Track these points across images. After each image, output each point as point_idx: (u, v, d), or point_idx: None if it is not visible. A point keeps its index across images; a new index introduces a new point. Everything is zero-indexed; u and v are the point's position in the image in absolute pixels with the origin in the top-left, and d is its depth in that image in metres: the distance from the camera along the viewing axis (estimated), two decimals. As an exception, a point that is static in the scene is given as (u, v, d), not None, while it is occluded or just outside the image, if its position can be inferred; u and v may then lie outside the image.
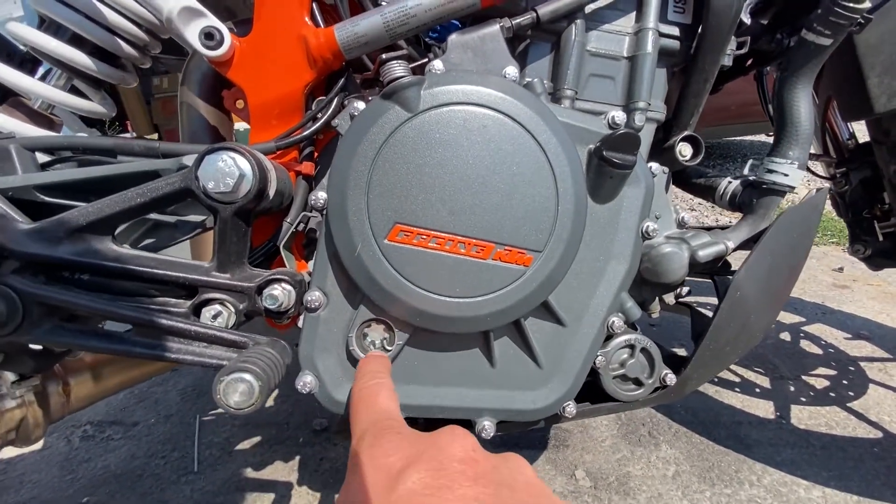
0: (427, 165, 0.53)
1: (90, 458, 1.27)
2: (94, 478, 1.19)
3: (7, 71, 0.68)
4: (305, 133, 0.63)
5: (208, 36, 0.60)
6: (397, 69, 0.53)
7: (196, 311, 0.53)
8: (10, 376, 0.55)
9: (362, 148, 0.53)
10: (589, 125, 0.59)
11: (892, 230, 1.02)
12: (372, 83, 0.69)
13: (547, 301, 0.59)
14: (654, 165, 0.68)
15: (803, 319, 1.81)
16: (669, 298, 0.77)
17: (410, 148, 0.53)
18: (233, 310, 0.54)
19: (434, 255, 0.54)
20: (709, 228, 0.78)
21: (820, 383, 1.45)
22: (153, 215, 0.61)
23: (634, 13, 0.68)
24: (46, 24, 0.71)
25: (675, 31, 0.69)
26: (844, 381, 1.46)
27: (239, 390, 0.42)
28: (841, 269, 2.27)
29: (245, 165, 0.50)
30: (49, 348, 0.55)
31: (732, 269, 0.78)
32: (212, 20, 0.61)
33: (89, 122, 0.88)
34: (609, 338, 0.66)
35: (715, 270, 0.77)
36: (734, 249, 0.72)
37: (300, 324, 0.60)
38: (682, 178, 0.88)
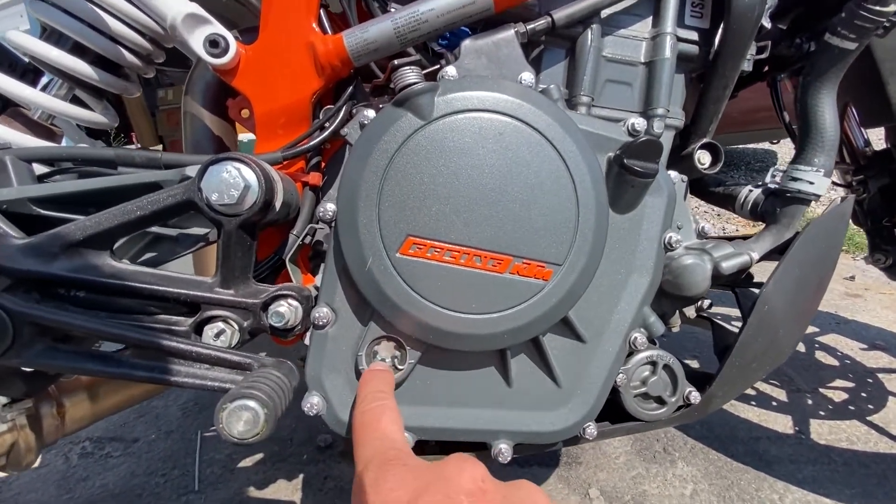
0: (441, 175, 0.50)
1: (88, 476, 1.23)
2: (91, 497, 1.16)
3: (5, 80, 0.67)
4: (313, 143, 0.61)
5: (213, 43, 0.58)
6: (410, 75, 0.51)
7: (198, 329, 0.51)
8: (1, 399, 0.52)
9: (373, 157, 0.50)
10: (609, 132, 0.57)
11: (914, 238, 0.99)
12: (381, 91, 0.67)
13: (567, 317, 0.56)
14: (673, 173, 0.65)
15: (817, 330, 1.77)
16: (690, 312, 0.74)
17: (424, 157, 0.50)
18: (236, 328, 0.52)
19: (448, 269, 0.51)
20: (729, 238, 0.75)
21: (838, 396, 1.41)
22: (154, 228, 0.59)
23: (651, 18, 0.66)
24: (48, 33, 0.69)
25: (694, 35, 0.67)
26: (863, 394, 1.42)
27: (243, 419, 0.39)
28: (852, 278, 2.24)
29: (250, 176, 0.48)
30: (41, 371, 0.52)
31: (755, 280, 0.75)
32: (217, 27, 0.59)
33: (94, 133, 0.86)
34: (630, 354, 0.63)
35: (737, 282, 0.74)
36: (758, 260, 0.69)
37: (307, 341, 0.57)
38: (700, 186, 0.85)
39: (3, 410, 0.51)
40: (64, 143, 0.77)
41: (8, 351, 0.42)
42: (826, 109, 0.67)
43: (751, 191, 0.76)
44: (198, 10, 0.58)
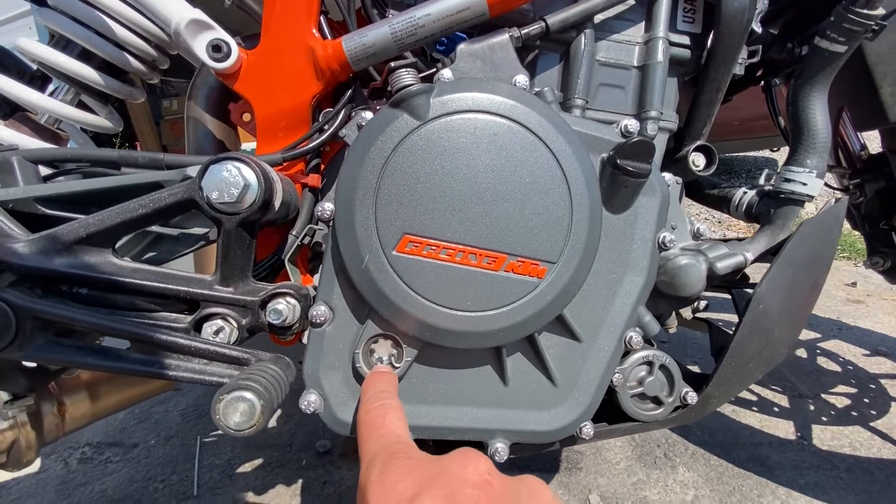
0: (437, 174, 0.51)
1: (87, 481, 1.23)
2: (91, 502, 1.15)
3: (14, 86, 0.68)
4: (312, 145, 0.62)
5: (216, 48, 0.60)
6: (406, 77, 0.52)
7: (197, 326, 0.51)
8: (3, 396, 0.53)
9: (370, 157, 0.51)
10: (602, 133, 0.58)
11: (912, 241, 1.00)
12: (379, 94, 0.68)
13: (562, 315, 0.57)
14: (668, 175, 0.66)
15: (819, 336, 1.76)
16: (686, 313, 0.74)
17: (420, 157, 0.51)
18: (235, 325, 0.52)
19: (444, 266, 0.52)
20: (725, 240, 0.75)
21: (840, 402, 1.40)
22: (155, 228, 0.60)
23: (643, 23, 0.67)
24: (56, 40, 0.71)
25: (686, 40, 0.68)
26: (865, 400, 1.41)
27: (239, 410, 0.39)
28: (854, 284, 2.23)
29: (250, 175, 0.49)
30: (43, 366, 0.53)
31: (751, 281, 0.75)
32: (220, 32, 0.60)
33: (99, 139, 0.88)
34: (626, 354, 0.64)
35: (733, 283, 0.75)
36: (753, 261, 0.69)
37: (304, 339, 0.58)
38: (695, 188, 0.86)
39: (5, 408, 0.52)
40: (70, 146, 0.78)
41: (11, 344, 0.43)
42: (817, 112, 0.68)
43: (745, 193, 0.77)
44: (201, 16, 0.60)
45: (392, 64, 0.53)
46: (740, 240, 0.74)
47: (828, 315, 1.93)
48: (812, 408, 1.37)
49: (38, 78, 0.87)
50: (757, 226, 0.75)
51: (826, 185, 1.14)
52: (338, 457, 1.25)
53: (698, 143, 0.72)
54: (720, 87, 0.69)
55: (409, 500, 0.32)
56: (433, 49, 0.68)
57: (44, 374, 0.54)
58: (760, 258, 0.71)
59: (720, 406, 0.69)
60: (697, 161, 0.73)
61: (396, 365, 0.56)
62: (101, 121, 0.76)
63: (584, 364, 0.60)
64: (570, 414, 0.60)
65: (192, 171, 0.55)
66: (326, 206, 0.54)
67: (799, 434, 1.27)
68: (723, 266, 0.66)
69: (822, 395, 1.43)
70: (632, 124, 0.59)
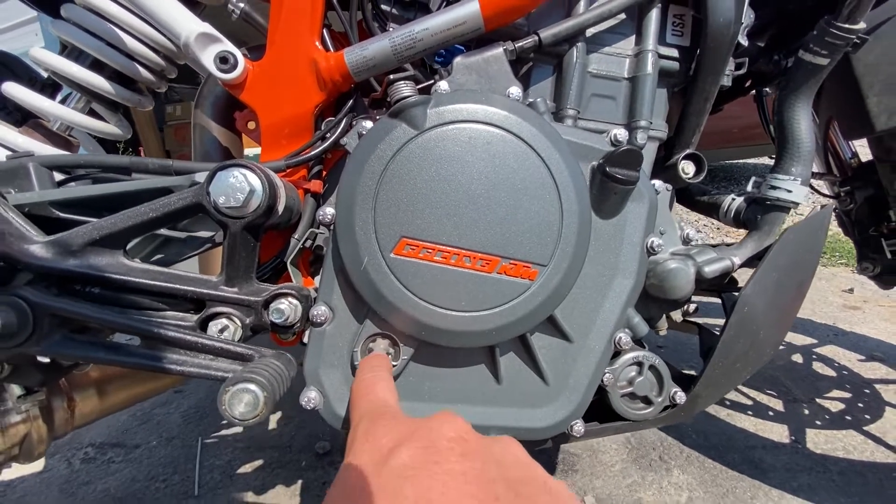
0: (433, 181, 0.54)
1: (90, 480, 1.25)
2: (93, 501, 1.17)
3: (28, 94, 0.71)
4: (314, 152, 0.64)
5: (223, 60, 0.63)
6: (404, 89, 0.55)
7: (203, 324, 0.54)
8: (16, 390, 0.55)
9: (370, 164, 0.54)
10: (592, 142, 0.61)
11: (901, 247, 1.02)
12: (379, 104, 0.71)
13: (553, 316, 0.59)
14: (658, 182, 0.68)
15: (815, 341, 1.78)
16: (677, 316, 0.76)
17: (417, 164, 0.54)
18: (239, 324, 0.55)
19: (439, 268, 0.54)
20: (714, 245, 0.78)
21: (835, 406, 1.41)
22: (164, 231, 0.62)
23: (634, 36, 0.70)
24: (68, 51, 0.74)
25: (674, 52, 0.71)
26: (860, 404, 1.42)
27: (244, 401, 0.42)
28: (851, 291, 2.25)
29: (255, 181, 0.51)
30: (57, 361, 0.55)
31: (739, 285, 0.77)
32: (227, 45, 0.63)
33: (104, 146, 0.91)
34: (617, 355, 0.66)
35: (722, 287, 0.77)
36: (740, 266, 0.72)
37: (305, 339, 0.60)
38: (686, 195, 0.88)
39: (18, 402, 0.54)
40: (80, 153, 0.81)
41: (29, 339, 0.46)
42: (802, 121, 0.71)
43: (734, 199, 0.79)
44: (209, 29, 0.63)
45: (391, 76, 0.56)
46: (729, 245, 0.76)
47: (824, 321, 1.94)
48: (806, 412, 1.39)
49: (49, 86, 0.90)
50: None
51: (817, 192, 1.17)
52: (337, 458, 1.27)
53: (687, 151, 0.74)
54: (708, 98, 0.71)
55: (389, 451, 0.34)
56: (432, 60, 0.71)
57: (56, 370, 0.56)
58: (748, 263, 0.73)
59: (709, 406, 0.71)
60: (687, 169, 0.75)
61: (394, 363, 0.59)
62: (110, 128, 0.79)
63: (574, 364, 0.62)
64: (562, 412, 0.62)
65: (200, 177, 0.58)
66: (328, 211, 0.57)
67: (793, 437, 1.28)
68: (710, 270, 0.68)
69: (817, 400, 1.44)
70: (621, 133, 0.62)
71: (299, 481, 1.21)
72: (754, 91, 0.92)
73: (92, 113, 0.77)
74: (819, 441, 1.27)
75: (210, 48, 0.63)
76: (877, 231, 1.04)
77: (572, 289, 0.59)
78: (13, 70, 1.04)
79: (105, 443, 1.39)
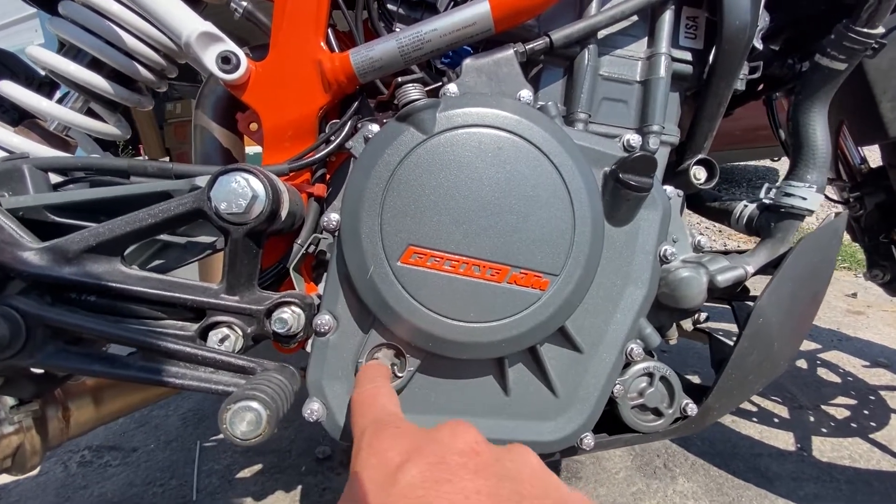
0: (441, 187, 0.52)
1: (87, 484, 1.23)
2: (89, 506, 1.15)
3: (25, 93, 0.69)
4: (318, 155, 0.63)
5: (225, 60, 0.61)
6: (413, 92, 0.53)
7: (203, 334, 0.52)
8: (9, 401, 0.53)
9: (377, 169, 0.52)
10: (605, 148, 0.59)
11: (911, 255, 1.00)
12: (385, 106, 0.69)
13: (564, 327, 0.57)
14: (669, 188, 0.67)
15: (819, 346, 1.76)
16: (687, 324, 0.75)
17: (425, 170, 0.52)
18: (240, 333, 0.53)
19: (448, 278, 0.53)
20: (725, 252, 0.76)
21: (840, 413, 1.40)
22: (163, 236, 0.61)
23: (646, 39, 0.68)
24: (66, 49, 0.72)
25: (688, 55, 0.69)
26: (865, 412, 1.41)
27: (246, 419, 0.40)
28: (854, 295, 2.24)
29: (258, 186, 0.49)
30: (51, 372, 0.54)
31: (751, 294, 0.76)
32: (229, 45, 0.61)
33: (103, 145, 0.89)
34: (627, 365, 0.64)
35: (733, 296, 0.75)
36: (753, 274, 0.70)
37: (308, 348, 0.58)
38: (696, 201, 0.87)
39: (11, 412, 0.53)
40: (78, 153, 0.79)
41: (21, 351, 0.44)
42: (817, 127, 0.69)
43: (746, 206, 0.77)
44: (211, 28, 0.61)
45: (399, 79, 0.54)
46: (741, 252, 0.75)
47: (828, 326, 1.93)
48: (812, 419, 1.37)
49: (47, 84, 0.88)
50: (757, 238, 0.76)
51: (826, 197, 1.15)
52: (338, 463, 1.25)
53: (699, 156, 0.73)
54: (721, 102, 0.69)
55: (397, 467, 0.32)
56: (439, 61, 0.69)
57: (50, 380, 0.55)
58: (761, 271, 0.72)
59: (720, 418, 0.69)
60: (699, 174, 0.73)
61: (399, 374, 0.57)
62: (109, 128, 0.77)
63: (585, 375, 0.61)
64: (571, 425, 0.61)
65: (201, 181, 0.56)
66: (332, 217, 0.55)
67: (799, 445, 1.27)
68: (723, 279, 0.67)
69: (822, 407, 1.43)
70: (634, 139, 0.60)
71: (299, 486, 1.19)
72: (763, 95, 0.91)
73: (90, 112, 0.75)
74: (825, 449, 1.25)
75: (212, 48, 0.61)
76: (887, 238, 1.03)
77: (583, 299, 0.57)
78: (10, 68, 1.02)
79: (102, 446, 1.38)
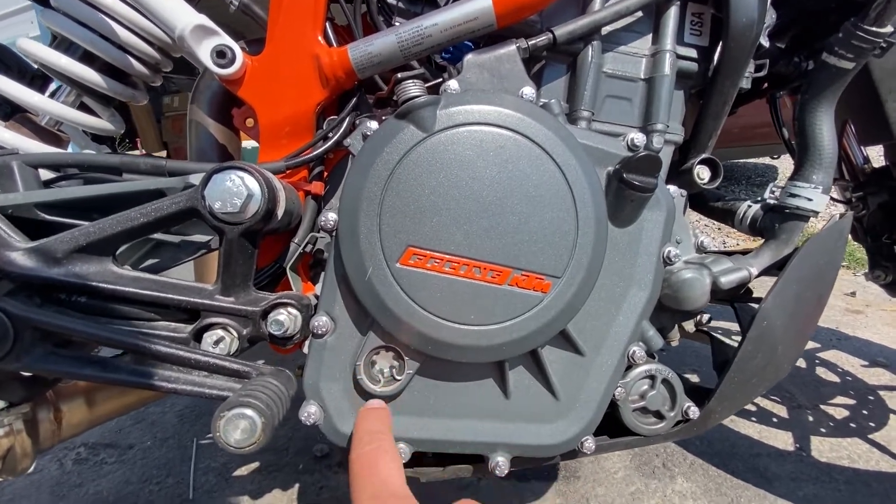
0: (442, 187, 0.51)
1: (82, 482, 1.22)
2: (85, 504, 1.15)
3: (15, 87, 0.68)
4: (316, 152, 0.61)
5: (220, 54, 0.59)
6: (413, 89, 0.52)
7: (197, 336, 0.51)
8: None
9: (375, 168, 0.51)
10: (608, 147, 0.58)
11: (913, 256, 1.00)
12: (384, 103, 0.68)
13: (565, 329, 0.56)
14: (672, 188, 0.66)
15: (818, 346, 1.76)
16: (689, 326, 0.74)
17: (425, 169, 0.51)
18: (235, 335, 0.52)
19: (448, 279, 0.52)
20: (728, 253, 0.75)
21: (839, 413, 1.40)
22: (157, 235, 0.59)
23: (651, 35, 0.67)
24: (58, 42, 0.70)
25: (693, 53, 0.68)
26: (864, 412, 1.41)
27: (240, 427, 0.39)
28: (853, 294, 2.23)
29: (254, 185, 0.48)
30: (40, 375, 0.52)
31: (754, 295, 0.75)
32: (224, 38, 0.60)
33: (99, 139, 0.87)
34: (629, 368, 0.63)
35: (736, 297, 0.74)
36: (757, 276, 0.69)
37: (305, 349, 0.57)
38: (700, 201, 0.85)
39: (0, 415, 0.51)
40: (70, 148, 0.78)
41: (8, 355, 0.43)
42: (824, 127, 0.68)
43: (750, 206, 0.76)
44: (206, 21, 0.59)
45: (399, 75, 0.53)
46: (744, 253, 0.74)
47: (827, 325, 1.93)
48: (811, 419, 1.37)
49: (40, 77, 0.86)
50: (760, 238, 0.75)
51: (830, 197, 1.14)
52: (337, 464, 1.24)
53: (703, 155, 0.71)
54: (727, 101, 0.68)
55: None
56: (438, 56, 0.67)
57: (40, 383, 0.53)
58: (764, 272, 0.71)
59: (722, 420, 0.69)
60: (702, 174, 0.72)
61: (398, 377, 0.56)
62: (103, 123, 0.75)
63: (586, 378, 0.60)
64: (572, 428, 0.60)
65: (195, 179, 0.55)
66: (330, 217, 0.54)
67: (798, 445, 1.27)
68: (727, 281, 0.66)
69: (821, 406, 1.43)
70: (638, 138, 0.59)
71: (296, 485, 1.19)
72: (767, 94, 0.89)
73: (83, 107, 0.74)
74: (824, 449, 1.25)
75: (206, 41, 0.59)
76: (890, 239, 1.02)
77: (586, 301, 0.56)
78: (3, 60, 1.00)
79: (98, 443, 1.37)
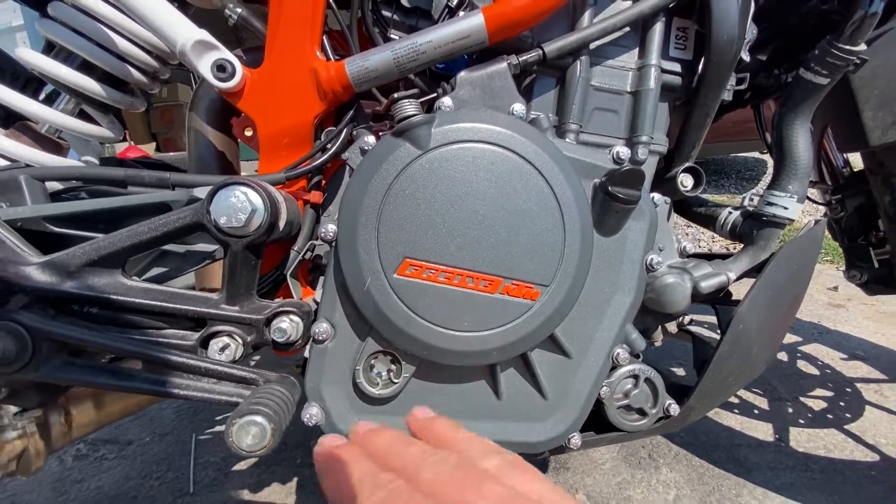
0: (437, 201, 0.54)
1: (83, 478, 1.24)
2: (86, 499, 1.17)
3: (14, 96, 0.69)
4: (315, 163, 0.63)
5: (220, 68, 0.61)
6: (409, 108, 0.54)
7: (204, 343, 0.53)
8: (12, 407, 0.55)
9: (373, 184, 0.53)
10: (594, 160, 0.61)
11: (888, 257, 1.04)
12: (380, 118, 0.70)
13: (554, 334, 0.60)
14: (657, 196, 0.69)
15: (800, 339, 1.82)
16: (672, 326, 0.77)
17: (420, 184, 0.53)
18: (240, 342, 0.54)
19: (443, 289, 0.54)
20: (710, 257, 0.79)
21: (817, 405, 1.46)
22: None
23: (637, 49, 0.69)
24: (56, 51, 0.71)
25: (677, 67, 0.70)
26: (841, 403, 1.46)
27: (251, 433, 0.42)
28: (836, 288, 2.30)
29: (257, 200, 0.50)
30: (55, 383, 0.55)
31: (733, 297, 0.79)
32: (224, 53, 0.61)
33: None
34: (613, 368, 0.67)
35: (716, 299, 0.78)
36: (735, 280, 0.73)
37: (306, 353, 0.60)
38: (683, 206, 0.89)
39: (15, 419, 0.54)
40: (71, 155, 0.79)
41: (27, 366, 0.45)
42: (800, 139, 0.71)
43: (730, 213, 0.80)
44: (206, 36, 0.61)
45: (395, 95, 0.55)
46: (724, 257, 0.77)
47: (809, 319, 1.99)
48: (790, 410, 1.43)
49: (35, 79, 0.87)
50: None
51: (809, 199, 1.18)
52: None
53: (687, 164, 0.74)
54: (709, 113, 0.71)
55: None
56: (434, 67, 0.69)
57: (54, 390, 0.56)
58: (743, 275, 0.74)
59: (701, 416, 0.73)
60: (686, 182, 0.75)
61: (395, 381, 0.59)
62: (102, 131, 0.76)
63: (573, 379, 0.63)
64: (560, 426, 0.64)
65: (199, 192, 0.57)
66: (329, 228, 0.56)
67: (777, 436, 1.32)
68: (707, 285, 0.69)
69: (801, 398, 1.48)
70: (623, 151, 0.62)
71: (295, 478, 1.22)
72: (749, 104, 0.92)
73: (82, 115, 0.75)
74: (801, 440, 1.31)
75: (207, 56, 0.61)
76: (865, 240, 1.06)
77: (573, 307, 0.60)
78: (-4, 63, 1.00)
79: (98, 439, 1.39)
